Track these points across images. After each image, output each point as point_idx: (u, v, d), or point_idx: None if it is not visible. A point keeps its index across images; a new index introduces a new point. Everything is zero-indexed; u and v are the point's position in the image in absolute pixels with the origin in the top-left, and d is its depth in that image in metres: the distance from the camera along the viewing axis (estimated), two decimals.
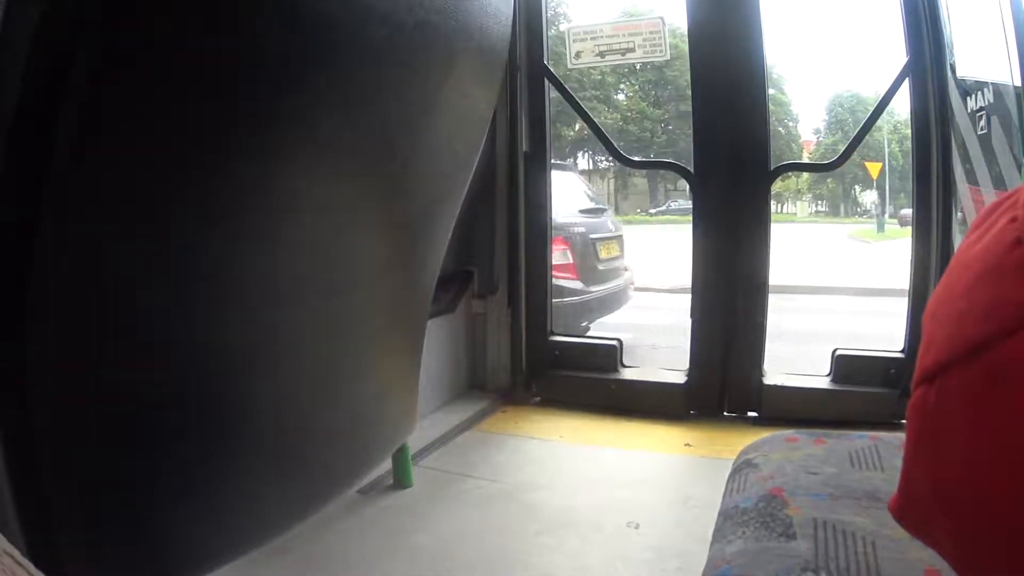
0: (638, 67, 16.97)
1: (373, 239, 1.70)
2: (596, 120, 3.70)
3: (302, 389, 1.60)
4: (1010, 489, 0.47)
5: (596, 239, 5.06)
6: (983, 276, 0.50)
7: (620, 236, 5.44)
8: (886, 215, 16.15)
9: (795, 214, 19.12)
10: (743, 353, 3.07)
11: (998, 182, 2.60)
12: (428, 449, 2.71)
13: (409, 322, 2.05)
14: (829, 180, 18.24)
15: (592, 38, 3.93)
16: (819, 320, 6.81)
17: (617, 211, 18.80)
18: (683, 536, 2.07)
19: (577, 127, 16.04)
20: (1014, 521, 0.47)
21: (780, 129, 17.89)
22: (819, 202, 19.52)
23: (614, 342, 3.33)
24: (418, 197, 1.80)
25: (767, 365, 3.10)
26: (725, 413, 3.10)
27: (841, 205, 19.23)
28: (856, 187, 18.75)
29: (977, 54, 2.77)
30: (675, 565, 1.94)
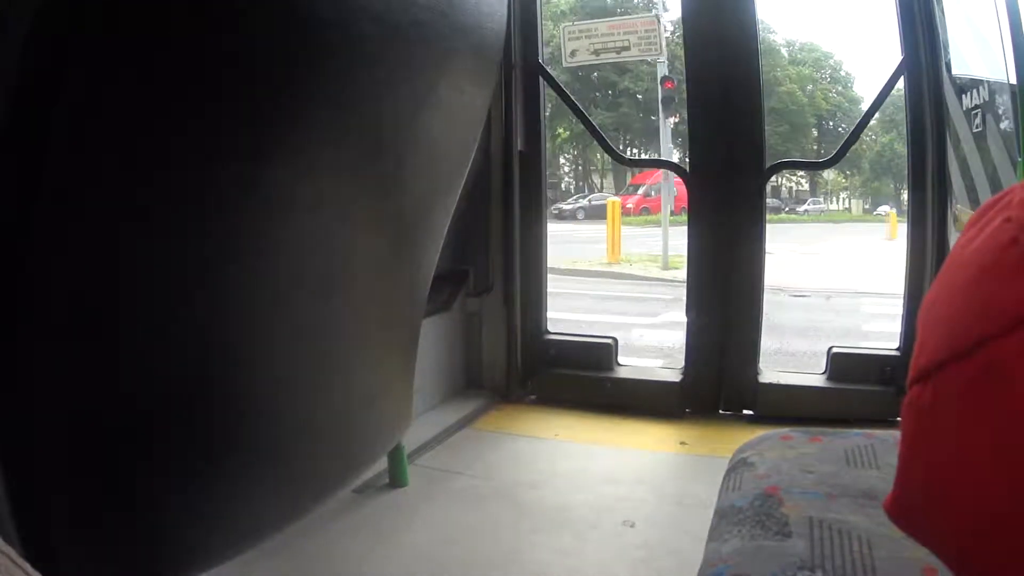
0: None
1: (368, 237, 1.69)
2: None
3: (297, 388, 1.60)
4: (1005, 488, 0.47)
5: None
6: (978, 276, 0.50)
7: None
8: None
9: (849, 210, 18.84)
10: (739, 351, 3.07)
11: (993, 180, 2.61)
12: (423, 448, 2.70)
13: (404, 321, 2.05)
14: (884, 178, 17.98)
15: (587, 36, 3.94)
16: None
17: None
18: (678, 535, 2.07)
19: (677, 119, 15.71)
20: (1009, 520, 0.47)
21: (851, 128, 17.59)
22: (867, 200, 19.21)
23: (609, 340, 3.33)
24: (413, 195, 1.79)
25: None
26: (720, 411, 3.10)
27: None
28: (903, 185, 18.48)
29: (972, 52, 2.78)
30: (670, 564, 1.94)
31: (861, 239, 14.03)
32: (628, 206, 15.51)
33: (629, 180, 17.27)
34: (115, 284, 1.16)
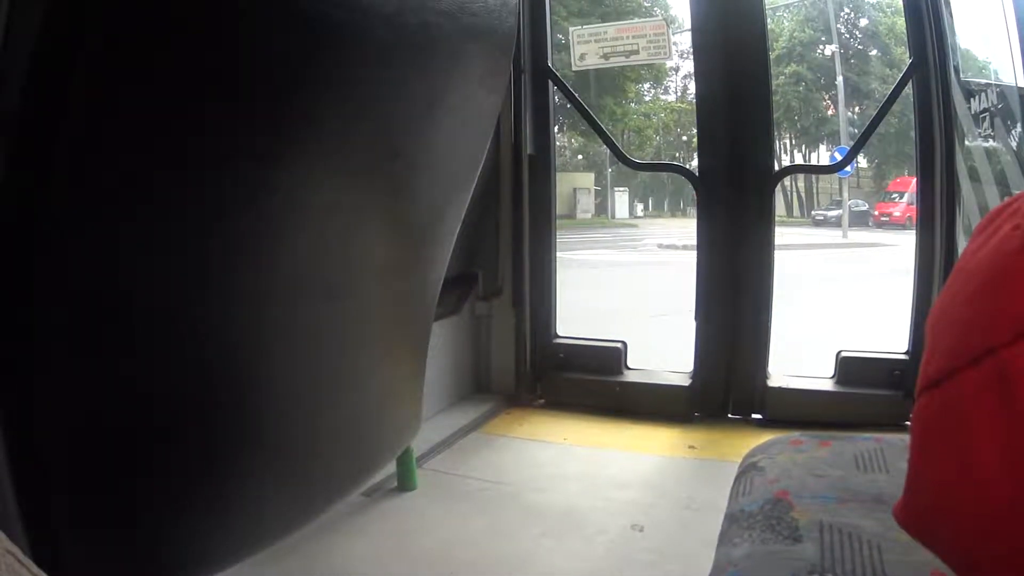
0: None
1: (378, 241, 1.70)
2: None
3: (306, 391, 1.60)
4: (1013, 495, 0.47)
5: None
6: (987, 283, 0.50)
7: None
8: None
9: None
10: (747, 355, 3.06)
11: (1002, 184, 2.60)
12: (432, 451, 2.70)
13: (414, 324, 2.05)
14: None
15: (596, 40, 3.94)
16: None
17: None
18: (688, 539, 2.06)
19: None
20: (1017, 525, 0.47)
21: None
22: None
23: (618, 344, 3.32)
24: (423, 199, 1.80)
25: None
26: (729, 415, 3.10)
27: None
28: None
29: (980, 56, 2.77)
30: (679, 568, 1.93)
31: None
32: (895, 214, 14.81)
33: (887, 186, 16.45)
34: (123, 285, 1.17)
